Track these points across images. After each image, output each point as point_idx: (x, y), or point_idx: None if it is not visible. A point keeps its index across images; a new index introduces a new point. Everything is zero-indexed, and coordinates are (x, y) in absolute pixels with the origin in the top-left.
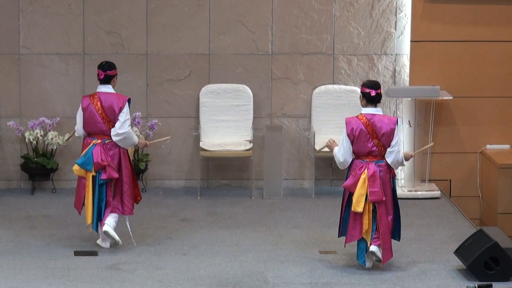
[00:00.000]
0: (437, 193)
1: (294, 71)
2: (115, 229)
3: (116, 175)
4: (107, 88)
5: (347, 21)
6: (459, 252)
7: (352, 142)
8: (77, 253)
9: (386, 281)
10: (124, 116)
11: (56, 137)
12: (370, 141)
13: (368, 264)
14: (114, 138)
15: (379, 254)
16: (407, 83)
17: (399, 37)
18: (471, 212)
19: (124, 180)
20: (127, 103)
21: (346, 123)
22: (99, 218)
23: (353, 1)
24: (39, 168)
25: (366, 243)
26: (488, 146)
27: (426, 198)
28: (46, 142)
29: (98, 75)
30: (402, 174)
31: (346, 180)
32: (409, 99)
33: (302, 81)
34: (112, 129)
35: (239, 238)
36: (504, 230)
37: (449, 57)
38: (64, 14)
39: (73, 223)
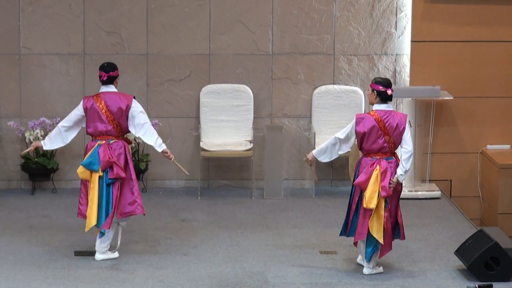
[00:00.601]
0: (437, 193)
1: (295, 71)
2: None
3: (123, 174)
4: (111, 88)
5: (348, 21)
6: (459, 252)
7: (361, 140)
8: (77, 253)
9: (386, 281)
10: (136, 109)
11: None
12: (382, 138)
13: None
14: (139, 133)
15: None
16: (407, 83)
17: (399, 37)
18: (471, 212)
19: (133, 178)
20: (133, 99)
21: (357, 122)
22: (106, 216)
23: (354, 1)
24: (39, 168)
25: (374, 244)
26: (489, 146)
27: (426, 198)
28: None
29: (100, 76)
30: None
31: (355, 178)
32: (410, 99)
33: (302, 81)
34: (147, 136)
35: (239, 238)
36: (504, 230)
37: (450, 57)
38: (64, 14)
39: (73, 223)
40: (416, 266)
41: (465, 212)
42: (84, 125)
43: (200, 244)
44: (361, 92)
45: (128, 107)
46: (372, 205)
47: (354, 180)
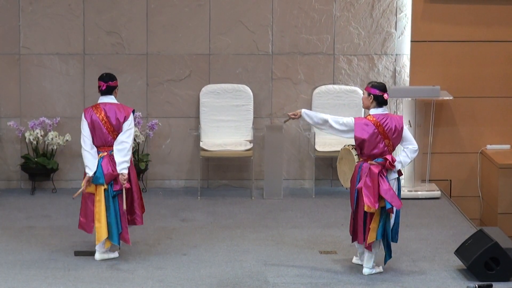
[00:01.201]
0: (437, 193)
1: (294, 71)
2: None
3: (128, 185)
4: (110, 99)
5: (347, 21)
6: (459, 252)
7: (361, 146)
8: (77, 253)
9: (386, 281)
10: (129, 124)
11: (56, 137)
12: (382, 142)
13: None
14: (116, 146)
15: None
16: (407, 83)
17: (399, 37)
18: (471, 212)
19: (134, 190)
20: (131, 113)
21: (356, 127)
22: (119, 230)
23: (354, 1)
24: (39, 168)
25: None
26: (489, 146)
27: (426, 198)
28: (46, 142)
29: (99, 86)
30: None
31: (356, 183)
32: (410, 99)
33: (302, 81)
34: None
35: (239, 238)
36: (504, 230)
37: (449, 57)
38: (64, 14)
39: (73, 223)
40: (416, 266)
41: (465, 212)
42: None
43: (200, 244)
44: (361, 92)
45: (125, 119)
46: (373, 209)
47: (353, 186)
